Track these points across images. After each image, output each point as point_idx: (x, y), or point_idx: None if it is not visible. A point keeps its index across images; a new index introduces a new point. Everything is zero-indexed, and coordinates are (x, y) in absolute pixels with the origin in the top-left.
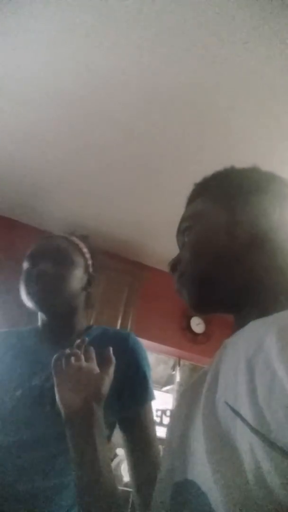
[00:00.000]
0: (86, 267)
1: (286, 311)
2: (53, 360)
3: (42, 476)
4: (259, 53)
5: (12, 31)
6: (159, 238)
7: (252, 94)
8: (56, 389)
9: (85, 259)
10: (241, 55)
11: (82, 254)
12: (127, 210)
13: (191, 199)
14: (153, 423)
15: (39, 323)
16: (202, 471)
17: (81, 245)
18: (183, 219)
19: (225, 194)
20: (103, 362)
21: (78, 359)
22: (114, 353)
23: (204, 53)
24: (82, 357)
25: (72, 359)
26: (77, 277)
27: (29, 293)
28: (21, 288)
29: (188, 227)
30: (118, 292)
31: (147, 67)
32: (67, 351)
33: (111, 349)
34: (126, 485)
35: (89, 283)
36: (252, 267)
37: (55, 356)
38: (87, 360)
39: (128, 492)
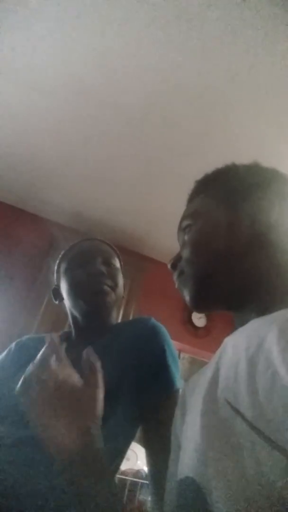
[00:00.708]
0: (121, 266)
1: (286, 310)
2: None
3: (42, 475)
4: (263, 51)
5: (26, 21)
6: (163, 230)
7: (256, 89)
8: (31, 419)
9: (120, 264)
10: (245, 53)
11: (119, 260)
12: (131, 202)
13: (192, 197)
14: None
15: (71, 326)
16: (201, 468)
17: (114, 247)
18: (184, 217)
19: (225, 192)
20: (130, 352)
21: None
22: (133, 338)
23: (209, 51)
24: (66, 362)
25: (52, 365)
26: (122, 280)
27: (90, 291)
28: (70, 286)
29: (188, 225)
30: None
31: (157, 61)
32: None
33: (97, 360)
34: (123, 473)
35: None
36: (252, 266)
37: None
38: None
39: (125, 480)
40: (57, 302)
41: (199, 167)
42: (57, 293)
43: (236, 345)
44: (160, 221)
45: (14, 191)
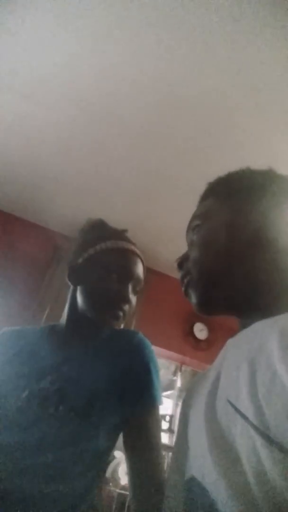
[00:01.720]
0: None
1: None
2: None
3: (43, 480)
4: (266, 55)
5: (27, 30)
6: (164, 241)
7: (259, 96)
8: None
9: None
10: (249, 58)
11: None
12: (132, 213)
13: (203, 198)
14: (159, 430)
15: (66, 321)
16: (204, 468)
17: (144, 262)
18: (194, 217)
19: (233, 195)
20: (115, 363)
21: None
22: (118, 350)
23: (210, 56)
24: None
25: None
26: None
27: (108, 309)
28: (97, 289)
29: (197, 225)
30: None
31: (157, 70)
32: None
33: None
34: (123, 488)
35: None
36: (256, 268)
37: None
38: None
39: (125, 495)
40: (70, 284)
41: (202, 179)
42: (77, 276)
43: (238, 346)
44: (162, 233)
45: (17, 201)
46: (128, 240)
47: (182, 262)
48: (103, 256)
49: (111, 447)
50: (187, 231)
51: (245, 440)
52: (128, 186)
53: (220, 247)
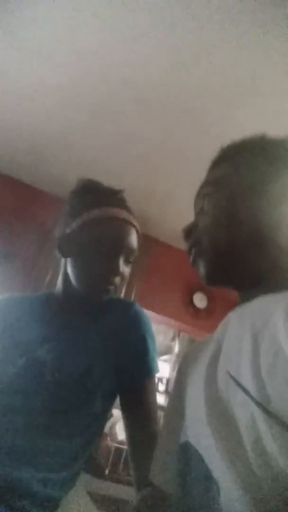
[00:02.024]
0: None
1: None
2: None
3: (43, 437)
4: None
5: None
6: (167, 211)
7: (266, 59)
8: None
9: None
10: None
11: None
12: (135, 181)
13: (216, 163)
14: (155, 398)
15: (61, 291)
16: (201, 436)
17: (140, 232)
18: (206, 183)
19: (251, 164)
20: (112, 332)
21: None
22: (114, 321)
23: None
24: None
25: None
26: None
27: (97, 284)
28: (85, 262)
29: (209, 193)
30: None
31: (164, 40)
32: None
33: None
34: (120, 442)
35: None
36: (271, 244)
37: None
38: None
39: (122, 449)
40: (60, 255)
41: (206, 148)
42: (66, 246)
43: (241, 320)
44: (165, 202)
45: (20, 166)
46: (120, 205)
47: (190, 231)
48: (91, 227)
49: (107, 410)
50: (197, 197)
51: (244, 412)
52: (133, 153)
53: (234, 218)
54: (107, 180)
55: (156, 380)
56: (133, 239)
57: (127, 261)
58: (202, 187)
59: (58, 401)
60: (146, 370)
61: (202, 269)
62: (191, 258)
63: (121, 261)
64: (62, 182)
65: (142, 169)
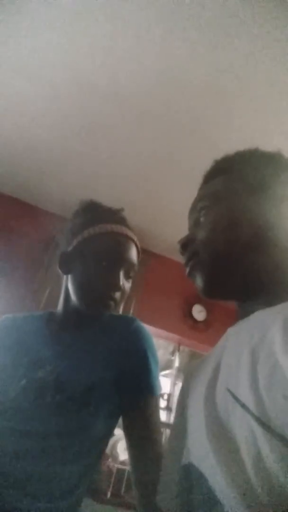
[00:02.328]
0: None
1: None
2: None
3: (42, 463)
4: (264, 44)
5: (30, 15)
6: (165, 224)
7: (257, 82)
8: None
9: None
10: (246, 47)
11: (139, 257)
12: (133, 195)
13: (211, 176)
14: (158, 417)
15: (61, 309)
16: (203, 455)
17: (139, 247)
18: (201, 196)
19: (249, 179)
20: (112, 350)
21: None
22: (115, 339)
23: (210, 45)
24: None
25: None
26: None
27: (97, 299)
28: (85, 278)
29: (206, 206)
30: None
31: (159, 55)
32: None
33: None
34: (122, 463)
35: None
36: (269, 256)
37: None
38: None
39: (124, 470)
40: (61, 272)
41: (202, 160)
42: (66, 263)
43: (239, 335)
44: (161, 215)
45: (17, 183)
46: (120, 222)
47: (187, 243)
48: (91, 243)
49: (109, 433)
50: (192, 211)
51: (244, 429)
52: (128, 167)
53: (237, 232)
54: (104, 195)
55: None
56: (133, 254)
57: (127, 276)
58: (197, 200)
59: (60, 423)
60: (148, 389)
61: (199, 282)
62: (188, 271)
63: (121, 276)
64: (59, 200)
65: (139, 183)
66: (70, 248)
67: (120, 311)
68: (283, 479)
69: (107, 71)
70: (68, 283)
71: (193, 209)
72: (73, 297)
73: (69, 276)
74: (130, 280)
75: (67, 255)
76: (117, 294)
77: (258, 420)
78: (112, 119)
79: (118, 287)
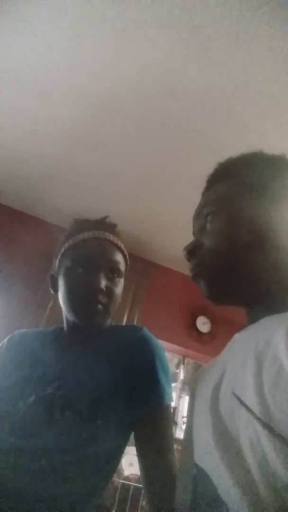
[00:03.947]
0: (126, 271)
1: None
2: None
3: (51, 482)
4: (265, 51)
5: (33, 29)
6: (167, 236)
7: (258, 90)
8: None
9: (126, 264)
10: (247, 54)
11: (126, 260)
12: (136, 207)
13: (215, 180)
14: (170, 429)
15: (65, 325)
16: (209, 458)
17: (123, 248)
18: (207, 202)
19: (256, 183)
20: (119, 362)
21: None
22: (122, 350)
23: (210, 53)
24: None
25: None
26: (122, 286)
27: (83, 306)
28: (66, 290)
29: (212, 212)
30: (125, 289)
31: (159, 65)
32: None
33: None
34: (126, 478)
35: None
36: (276, 261)
37: None
38: None
39: (129, 485)
40: (52, 292)
41: (203, 172)
42: (54, 284)
43: (245, 341)
44: (165, 227)
45: (17, 195)
46: (96, 228)
47: (193, 250)
48: (67, 256)
49: (121, 449)
50: (197, 216)
51: (249, 432)
52: (129, 180)
53: (239, 239)
54: (105, 207)
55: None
56: (111, 254)
57: (109, 277)
58: (202, 206)
59: (69, 440)
60: (158, 399)
61: (205, 287)
62: (192, 275)
63: (102, 277)
64: (60, 211)
65: (140, 194)
66: (56, 268)
67: (124, 323)
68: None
69: (106, 83)
70: (60, 302)
71: (199, 214)
72: (64, 313)
73: (58, 294)
74: (118, 280)
75: (53, 275)
76: (102, 297)
77: (263, 423)
78: (112, 130)
79: (99, 290)
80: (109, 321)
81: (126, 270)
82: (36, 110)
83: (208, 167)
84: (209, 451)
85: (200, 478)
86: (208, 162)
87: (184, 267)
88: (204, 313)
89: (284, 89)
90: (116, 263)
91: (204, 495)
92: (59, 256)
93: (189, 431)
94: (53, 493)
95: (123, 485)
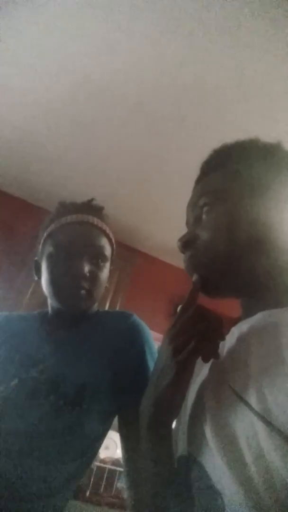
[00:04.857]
0: (112, 255)
1: None
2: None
3: (34, 464)
4: (264, 46)
5: (30, 12)
6: (155, 224)
7: (256, 84)
8: None
9: (112, 248)
10: (246, 47)
11: (111, 244)
12: (125, 195)
13: (211, 169)
14: None
15: (49, 310)
16: (205, 449)
17: (108, 231)
18: (203, 192)
19: (248, 174)
20: (108, 347)
21: None
22: (110, 335)
23: (209, 45)
24: None
25: None
26: (107, 271)
27: (66, 292)
28: (49, 276)
29: (208, 203)
30: (109, 275)
31: (158, 54)
32: None
33: None
34: (102, 461)
35: (109, 271)
36: (272, 254)
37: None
38: None
39: (104, 467)
40: (36, 278)
41: (195, 162)
42: (37, 269)
43: (244, 335)
44: (153, 216)
45: (5, 177)
46: (80, 211)
47: (189, 242)
48: (50, 240)
49: (103, 434)
50: (192, 207)
51: (246, 425)
52: (122, 168)
53: (235, 232)
54: (97, 193)
55: None
56: (95, 238)
57: (93, 262)
58: (198, 196)
59: (52, 423)
60: (145, 386)
61: (201, 281)
62: (187, 268)
63: (85, 262)
64: (48, 194)
65: (130, 182)
66: (38, 254)
67: (106, 306)
68: (284, 474)
69: (106, 70)
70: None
71: (194, 204)
72: (48, 299)
73: (41, 280)
74: (103, 265)
75: (37, 261)
76: (85, 282)
77: (260, 417)
78: (107, 119)
79: (82, 275)
80: (95, 306)
81: (112, 254)
82: (26, 88)
83: (199, 157)
84: (204, 442)
85: (195, 468)
86: (199, 152)
87: (168, 256)
88: None
89: (281, 84)
90: (100, 247)
91: (198, 485)
92: (42, 241)
93: (177, 420)
94: (35, 477)
95: (99, 467)
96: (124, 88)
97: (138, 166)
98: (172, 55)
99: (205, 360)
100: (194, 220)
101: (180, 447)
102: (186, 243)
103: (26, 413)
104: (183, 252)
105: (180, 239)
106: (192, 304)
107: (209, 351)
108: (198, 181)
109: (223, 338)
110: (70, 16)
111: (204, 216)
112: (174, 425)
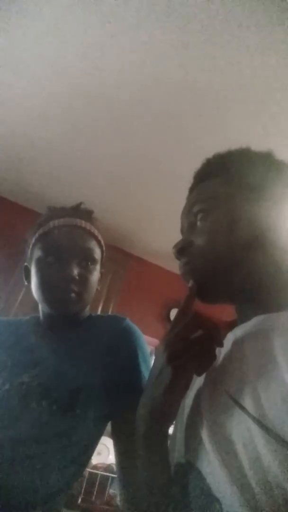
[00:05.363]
0: (102, 258)
1: None
2: None
3: (26, 471)
4: (262, 47)
5: (24, 15)
6: (148, 228)
7: (253, 86)
8: None
9: (102, 251)
10: (243, 48)
11: (101, 247)
12: (118, 199)
13: (205, 177)
14: None
15: (41, 315)
16: (202, 455)
17: (97, 234)
18: (198, 199)
19: (243, 180)
20: (100, 351)
21: None
22: (103, 340)
23: (205, 46)
24: None
25: None
26: (98, 274)
27: (56, 296)
28: (38, 280)
29: (203, 210)
30: (101, 278)
31: (151, 54)
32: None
33: None
34: (94, 467)
35: (100, 274)
36: (267, 261)
37: None
38: None
39: (96, 474)
40: (26, 283)
41: (187, 164)
42: (27, 274)
43: (239, 340)
44: (145, 220)
45: (2, 182)
46: (68, 215)
47: (184, 248)
48: (39, 244)
49: (97, 439)
50: (187, 214)
51: (242, 429)
52: (115, 172)
53: (231, 238)
54: (90, 197)
55: None
56: (84, 241)
57: (84, 264)
58: (192, 203)
59: (45, 429)
60: (138, 390)
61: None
62: (183, 274)
63: (74, 265)
64: (38, 197)
65: (124, 185)
66: (28, 258)
67: (99, 312)
68: (281, 479)
69: (99, 74)
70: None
71: (188, 212)
72: (39, 304)
73: (31, 285)
74: (93, 268)
75: (26, 266)
76: (74, 286)
77: (256, 421)
78: (100, 123)
79: (71, 278)
80: (87, 310)
81: (102, 256)
82: (15, 87)
83: (194, 161)
84: (201, 447)
85: (192, 475)
86: (194, 156)
87: (161, 260)
88: (178, 305)
89: (281, 84)
90: (89, 250)
91: (196, 492)
92: (30, 246)
93: (174, 426)
94: (28, 484)
95: (91, 473)
96: (120, 91)
97: (132, 170)
98: (166, 58)
99: (202, 370)
100: (189, 227)
101: (177, 453)
102: (181, 250)
103: (18, 419)
104: (178, 258)
105: (175, 246)
106: (188, 310)
107: (206, 359)
108: (192, 189)
109: (221, 345)
110: (67, 20)
111: (199, 223)
112: (171, 431)
